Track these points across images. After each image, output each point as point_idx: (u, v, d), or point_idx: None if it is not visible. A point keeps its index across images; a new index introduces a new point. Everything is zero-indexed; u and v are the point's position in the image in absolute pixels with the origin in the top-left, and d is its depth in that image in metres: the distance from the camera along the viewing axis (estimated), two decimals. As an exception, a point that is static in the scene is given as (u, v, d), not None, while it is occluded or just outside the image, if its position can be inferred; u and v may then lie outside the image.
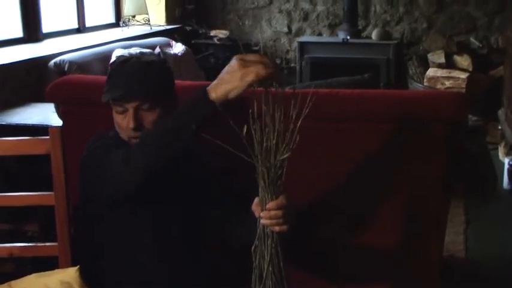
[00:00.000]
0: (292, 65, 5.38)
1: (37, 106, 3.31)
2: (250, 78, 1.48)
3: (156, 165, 1.58)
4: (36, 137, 1.90)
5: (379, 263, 2.09)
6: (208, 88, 1.52)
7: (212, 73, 4.38)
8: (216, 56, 5.11)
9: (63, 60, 3.47)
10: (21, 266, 2.61)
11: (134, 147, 1.64)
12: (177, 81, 2.25)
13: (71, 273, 1.86)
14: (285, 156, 1.52)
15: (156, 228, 1.77)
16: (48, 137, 1.86)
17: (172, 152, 1.59)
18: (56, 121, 2.92)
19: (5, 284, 1.91)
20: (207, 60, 5.06)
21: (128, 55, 1.75)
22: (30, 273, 1.94)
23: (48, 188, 1.91)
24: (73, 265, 1.89)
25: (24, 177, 2.89)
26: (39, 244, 1.94)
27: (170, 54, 4.12)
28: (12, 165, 3.04)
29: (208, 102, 1.52)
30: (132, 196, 1.62)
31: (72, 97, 2.30)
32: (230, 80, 1.50)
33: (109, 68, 1.83)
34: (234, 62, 1.50)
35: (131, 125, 1.69)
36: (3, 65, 3.33)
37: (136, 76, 1.68)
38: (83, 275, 1.85)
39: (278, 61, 1.52)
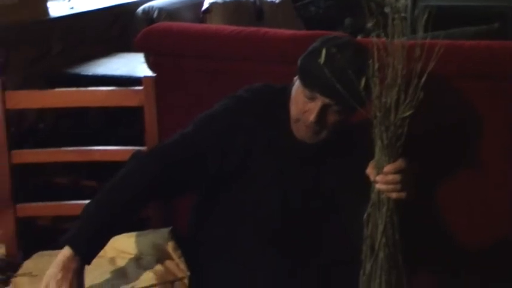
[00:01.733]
0: (403, 14, 5.23)
1: (123, 56, 3.39)
2: None
3: None
4: (128, 88, 1.93)
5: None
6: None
7: (311, 23, 4.35)
8: (316, 5, 5.03)
9: (152, 7, 3.51)
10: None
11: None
12: (276, 31, 2.26)
13: (163, 234, 1.92)
14: (407, 114, 1.48)
15: (262, 213, 1.78)
16: (141, 88, 1.90)
17: None
18: (143, 73, 2.98)
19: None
20: (307, 9, 4.99)
21: (344, 43, 1.67)
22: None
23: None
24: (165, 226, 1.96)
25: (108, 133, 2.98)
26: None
27: (267, 1, 4.10)
28: (96, 119, 3.15)
29: None
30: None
31: (165, 47, 2.34)
32: None
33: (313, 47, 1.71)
34: None
35: (313, 118, 1.65)
36: (87, 12, 3.42)
37: (344, 78, 1.57)
38: (176, 236, 1.91)
39: (387, 10, 1.45)
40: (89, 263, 1.66)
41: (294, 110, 1.71)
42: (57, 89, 1.97)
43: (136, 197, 1.71)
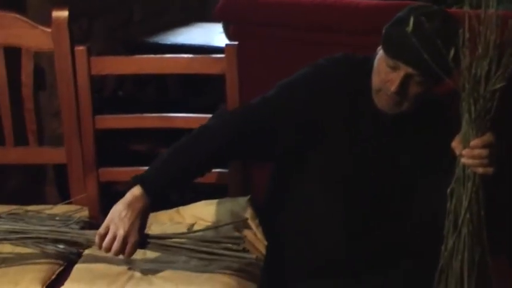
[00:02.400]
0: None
1: (201, 26, 3.41)
2: None
3: None
4: (211, 55, 1.94)
5: None
6: None
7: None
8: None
9: (232, -23, 3.50)
10: (184, 194, 2.75)
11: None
12: (360, 1, 2.21)
13: (241, 203, 1.93)
14: (498, 86, 1.44)
15: (339, 179, 1.77)
16: (223, 56, 1.90)
17: None
18: (221, 43, 2.99)
19: (174, 210, 2.01)
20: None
21: (433, 12, 1.62)
22: (191, 202, 2.04)
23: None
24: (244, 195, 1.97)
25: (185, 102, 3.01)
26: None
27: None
28: (174, 88, 3.18)
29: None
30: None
31: (245, 16, 2.33)
32: None
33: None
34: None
35: (394, 88, 1.62)
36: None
37: (432, 48, 1.52)
38: (254, 205, 1.92)
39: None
40: (154, 207, 1.68)
41: (376, 80, 1.68)
42: (141, 56, 1.99)
43: (215, 151, 1.72)
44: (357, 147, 1.75)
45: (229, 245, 1.66)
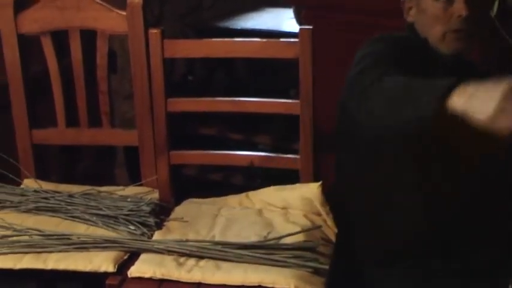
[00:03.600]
0: None
1: (271, 11, 3.39)
2: (502, 123, 1.21)
3: (387, 123, 1.44)
4: (285, 39, 1.91)
5: None
6: (456, 91, 1.29)
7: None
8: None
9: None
10: (251, 179, 2.76)
11: (380, 86, 1.53)
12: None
13: (312, 189, 1.90)
14: None
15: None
16: (297, 40, 1.87)
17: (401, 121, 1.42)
18: (290, 28, 2.96)
19: (243, 194, 2.01)
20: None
21: None
22: (259, 187, 2.03)
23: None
24: (314, 181, 1.94)
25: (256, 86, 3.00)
26: (281, 155, 1.97)
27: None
28: (244, 72, 3.17)
29: (438, 101, 1.30)
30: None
31: (319, 0, 2.31)
32: (482, 103, 1.23)
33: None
34: (503, 85, 1.22)
35: (464, 12, 1.57)
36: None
37: None
38: (325, 192, 1.90)
39: None
40: None
41: (437, 27, 1.62)
42: (213, 39, 1.98)
43: None
44: None
45: (303, 253, 1.66)
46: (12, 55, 2.02)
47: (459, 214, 1.73)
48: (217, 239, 1.76)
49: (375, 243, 1.78)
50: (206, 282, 1.63)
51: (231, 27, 3.13)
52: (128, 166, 2.85)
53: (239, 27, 3.12)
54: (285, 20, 3.13)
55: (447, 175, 1.70)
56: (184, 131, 2.75)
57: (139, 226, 1.81)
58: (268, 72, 2.98)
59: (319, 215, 1.88)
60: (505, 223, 1.74)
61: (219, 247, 1.70)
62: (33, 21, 2.00)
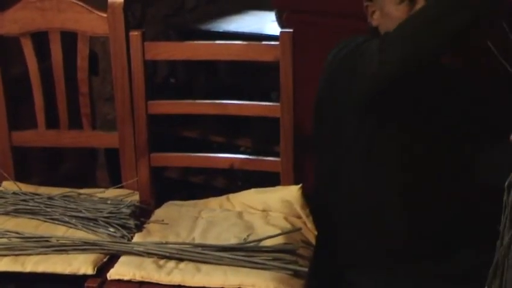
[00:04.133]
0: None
1: (253, 14, 3.38)
2: None
3: (415, 53, 1.52)
4: (266, 42, 1.91)
5: None
6: None
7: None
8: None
9: (284, -34, 3.48)
10: (232, 182, 2.76)
11: (393, 30, 1.59)
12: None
13: (293, 191, 1.90)
14: None
15: (405, 155, 1.73)
16: (277, 43, 1.88)
17: (435, 43, 1.51)
18: (272, 31, 2.97)
19: (224, 197, 2.00)
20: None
21: None
22: (240, 190, 2.02)
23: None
24: (295, 183, 1.94)
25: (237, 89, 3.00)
26: (261, 158, 1.97)
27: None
28: (226, 75, 3.17)
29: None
30: (382, 98, 1.60)
31: (301, 4, 2.31)
32: None
33: None
34: None
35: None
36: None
37: None
38: (305, 194, 1.90)
39: None
40: None
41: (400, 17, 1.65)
42: (195, 42, 1.97)
43: None
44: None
45: (282, 256, 1.66)
46: (-8, 56, 2.00)
47: (439, 211, 1.74)
48: (197, 241, 1.75)
49: (357, 245, 1.79)
50: (186, 284, 1.62)
51: (213, 29, 3.13)
52: (108, 168, 2.84)
53: (222, 30, 3.11)
54: (268, 23, 3.12)
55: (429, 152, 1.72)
56: (165, 133, 2.75)
57: (119, 228, 1.80)
58: (250, 74, 2.98)
59: (299, 217, 1.88)
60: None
61: (199, 249, 1.69)
62: (13, 21, 1.99)
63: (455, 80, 1.80)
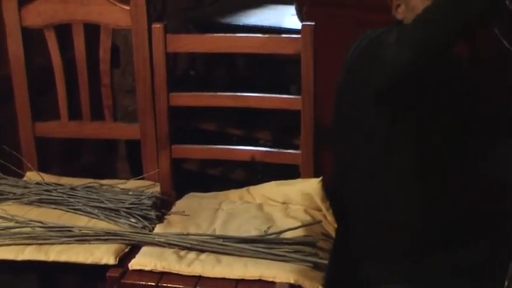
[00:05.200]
0: None
1: (273, 8, 3.38)
2: None
3: (429, 42, 1.54)
4: (286, 35, 1.91)
5: None
6: None
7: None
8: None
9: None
10: (252, 174, 2.75)
11: (413, 20, 1.60)
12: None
13: (313, 184, 1.90)
14: None
15: (421, 146, 1.73)
16: (299, 36, 1.87)
17: (447, 32, 1.53)
18: (291, 25, 2.96)
19: (244, 189, 2.00)
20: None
21: None
22: (258, 182, 2.02)
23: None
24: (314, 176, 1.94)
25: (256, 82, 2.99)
26: (282, 150, 1.97)
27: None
28: (245, 68, 3.17)
29: None
30: (400, 87, 1.61)
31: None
32: None
33: None
34: None
35: None
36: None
37: None
38: (326, 187, 1.90)
39: None
40: None
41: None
42: (216, 34, 1.97)
43: None
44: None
45: (302, 248, 1.66)
46: (16, 48, 2.01)
47: (452, 203, 1.74)
48: (217, 232, 1.75)
49: (371, 237, 1.79)
50: (206, 275, 1.62)
51: (233, 23, 3.12)
52: (129, 159, 2.84)
53: (241, 23, 3.11)
54: (287, 17, 3.11)
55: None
56: (184, 125, 2.75)
57: (141, 219, 1.81)
58: (268, 67, 2.97)
59: (319, 210, 1.87)
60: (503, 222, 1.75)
61: (219, 241, 1.69)
62: (37, 14, 2.00)
63: (465, 72, 1.80)
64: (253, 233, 1.73)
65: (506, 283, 1.50)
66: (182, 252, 1.69)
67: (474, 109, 1.80)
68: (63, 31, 2.06)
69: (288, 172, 2.02)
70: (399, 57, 1.58)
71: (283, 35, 1.93)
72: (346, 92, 1.82)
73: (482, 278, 1.70)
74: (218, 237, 1.72)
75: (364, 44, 1.76)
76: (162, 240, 1.71)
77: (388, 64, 1.60)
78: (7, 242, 1.72)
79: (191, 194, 2.03)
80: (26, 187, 1.95)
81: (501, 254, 1.66)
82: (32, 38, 2.06)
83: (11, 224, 1.79)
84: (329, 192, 1.90)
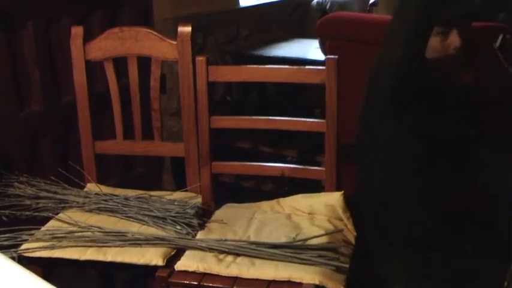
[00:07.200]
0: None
1: (299, 42, 3.41)
2: None
3: (416, 32, 1.56)
4: (313, 67, 1.92)
5: None
6: None
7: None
8: None
9: (325, 0, 3.50)
10: (280, 187, 2.76)
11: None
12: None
13: (335, 197, 1.90)
14: None
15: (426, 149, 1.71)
16: (324, 68, 1.88)
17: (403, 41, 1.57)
18: (315, 56, 2.98)
19: (274, 201, 2.00)
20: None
21: None
22: (286, 194, 2.03)
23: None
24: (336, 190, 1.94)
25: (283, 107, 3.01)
26: (308, 167, 1.98)
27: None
28: (275, 94, 3.19)
29: None
30: (400, 90, 1.62)
31: (342, 33, 2.31)
32: None
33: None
34: None
35: (459, 43, 1.63)
36: (271, 3, 3.47)
37: None
38: (347, 200, 1.89)
39: None
40: None
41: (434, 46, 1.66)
42: (251, 66, 1.99)
43: None
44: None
45: (326, 253, 1.66)
46: (80, 78, 2.04)
47: (458, 202, 1.71)
48: (252, 239, 1.76)
49: (385, 236, 1.77)
50: (242, 276, 1.64)
51: (264, 54, 3.16)
52: (174, 173, 2.87)
53: (272, 55, 3.14)
54: (312, 49, 3.14)
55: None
56: (221, 144, 2.77)
57: (185, 226, 1.82)
58: (294, 92, 2.99)
59: (341, 220, 1.87)
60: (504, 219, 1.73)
61: (253, 246, 1.70)
62: (98, 49, 2.03)
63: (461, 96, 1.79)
64: (282, 239, 1.74)
65: (505, 283, 1.48)
66: (221, 256, 1.70)
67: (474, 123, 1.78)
68: (117, 61, 2.10)
69: (309, 184, 2.03)
70: (393, 52, 1.62)
71: (310, 67, 1.93)
72: (363, 106, 1.82)
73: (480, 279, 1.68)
74: (252, 243, 1.73)
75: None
76: (204, 245, 1.73)
77: (385, 69, 1.64)
78: (71, 244, 1.75)
79: (228, 204, 2.04)
80: (86, 197, 1.99)
81: (498, 257, 1.64)
82: (93, 68, 2.10)
83: (75, 228, 1.82)
84: (351, 204, 1.90)
